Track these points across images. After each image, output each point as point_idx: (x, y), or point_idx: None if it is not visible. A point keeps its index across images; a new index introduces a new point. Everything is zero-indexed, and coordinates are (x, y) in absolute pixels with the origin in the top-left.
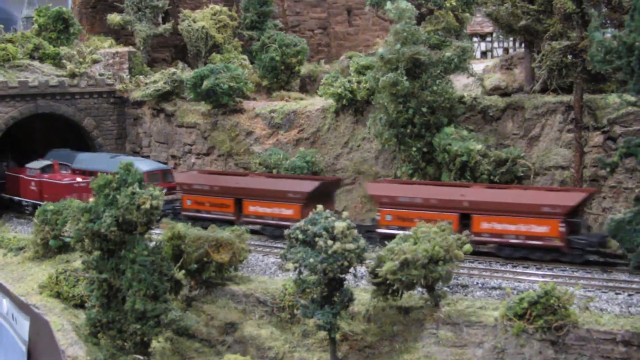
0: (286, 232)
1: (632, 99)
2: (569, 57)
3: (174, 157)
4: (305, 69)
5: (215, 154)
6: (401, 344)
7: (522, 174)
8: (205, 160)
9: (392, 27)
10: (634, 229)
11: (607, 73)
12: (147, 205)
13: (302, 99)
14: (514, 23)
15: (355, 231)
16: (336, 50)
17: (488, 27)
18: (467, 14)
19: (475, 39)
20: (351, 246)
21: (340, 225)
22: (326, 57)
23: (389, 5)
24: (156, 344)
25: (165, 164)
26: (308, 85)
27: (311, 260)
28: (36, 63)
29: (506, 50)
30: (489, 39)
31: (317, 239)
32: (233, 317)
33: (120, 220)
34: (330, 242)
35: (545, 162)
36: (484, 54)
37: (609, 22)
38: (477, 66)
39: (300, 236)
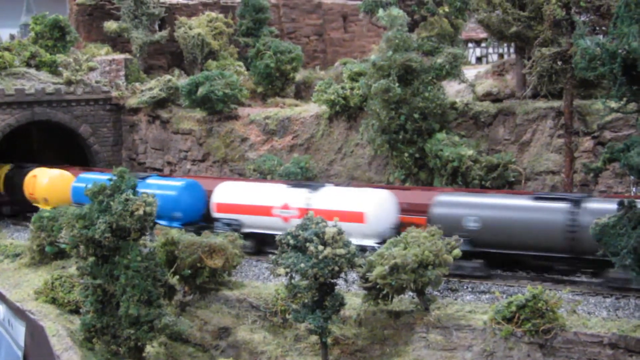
0: (277, 237)
1: (616, 105)
2: (559, 63)
3: (169, 163)
4: (300, 75)
5: (211, 161)
6: (392, 348)
7: (513, 179)
8: (201, 166)
9: (384, 34)
10: (618, 233)
11: (596, 79)
12: (141, 212)
13: (296, 105)
14: (505, 29)
15: (345, 236)
16: (332, 56)
17: (483, 33)
18: (461, 21)
19: (470, 45)
20: (342, 251)
21: (330, 230)
22: (322, 64)
23: (380, 12)
24: (150, 349)
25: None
26: (303, 92)
27: (302, 265)
28: (33, 71)
29: (501, 55)
30: (484, 44)
31: (307, 244)
32: (226, 322)
33: (114, 227)
34: (321, 247)
35: (536, 167)
36: (479, 60)
37: (597, 29)
38: (471, 72)
39: (292, 242)
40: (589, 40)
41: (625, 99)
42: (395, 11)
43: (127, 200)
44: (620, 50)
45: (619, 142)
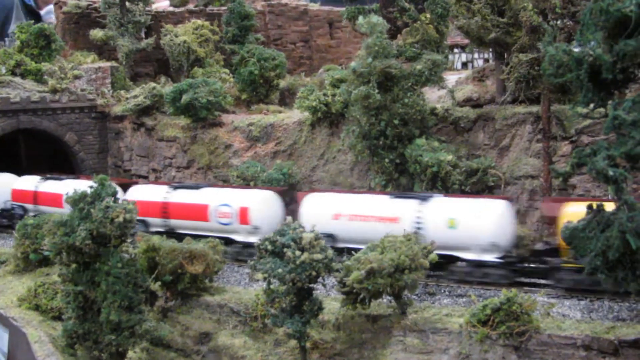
0: (256, 243)
1: (584, 110)
2: (536, 68)
3: (154, 170)
4: (285, 81)
5: (195, 167)
6: (370, 351)
7: (492, 184)
8: (185, 173)
9: (363, 41)
10: (587, 237)
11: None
12: (121, 219)
13: (280, 112)
14: (485, 36)
15: (323, 242)
16: (318, 62)
17: None
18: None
19: (456, 50)
20: (319, 256)
21: (308, 236)
22: (308, 70)
23: (360, 19)
24: (132, 354)
25: None
26: (287, 98)
27: (280, 270)
28: (18, 79)
29: (486, 60)
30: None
31: (285, 249)
32: (207, 327)
33: (95, 234)
34: (298, 252)
35: (515, 172)
36: (464, 65)
37: (573, 35)
38: (453, 77)
39: (269, 247)
40: (556, 47)
41: (592, 104)
42: (375, 18)
43: (107, 207)
44: (586, 57)
45: (580, 147)
